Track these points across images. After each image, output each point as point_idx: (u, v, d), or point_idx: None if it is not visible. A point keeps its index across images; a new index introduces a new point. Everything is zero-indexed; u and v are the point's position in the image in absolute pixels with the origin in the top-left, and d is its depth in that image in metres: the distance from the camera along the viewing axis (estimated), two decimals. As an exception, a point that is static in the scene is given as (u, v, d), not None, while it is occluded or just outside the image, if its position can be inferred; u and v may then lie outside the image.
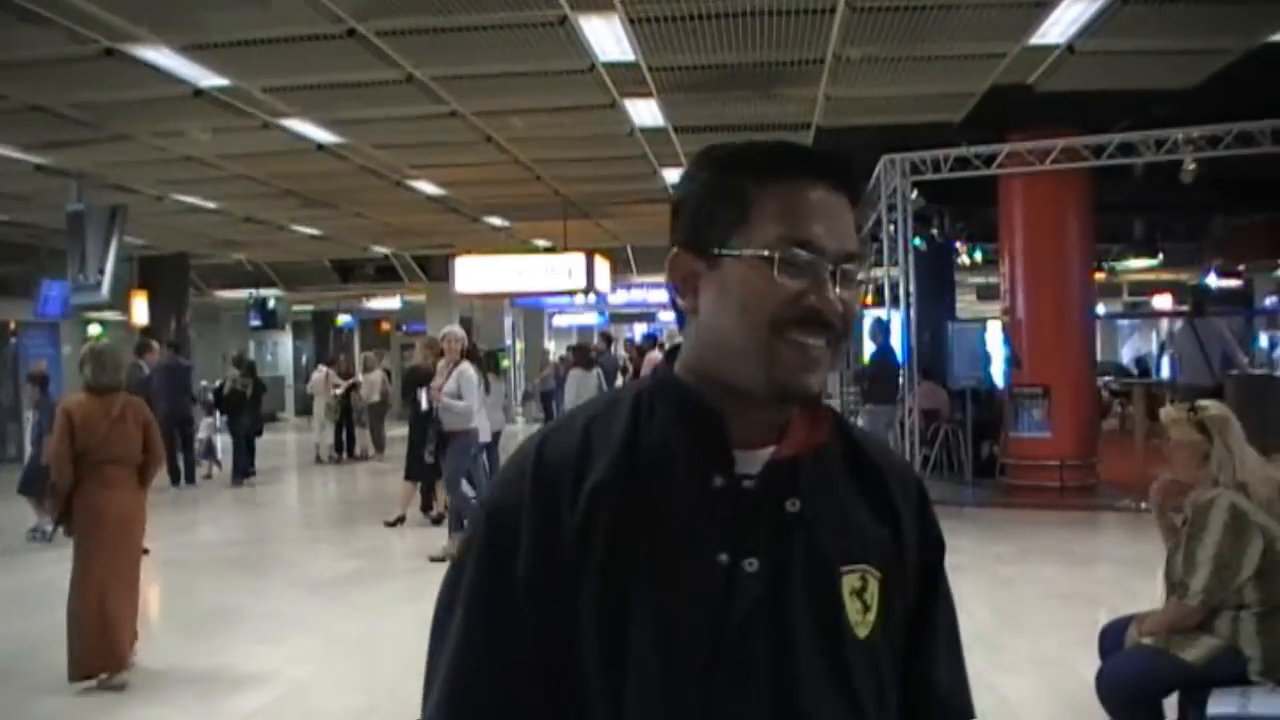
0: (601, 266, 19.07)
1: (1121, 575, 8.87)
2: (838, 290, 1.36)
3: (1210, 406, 4.66)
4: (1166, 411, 4.75)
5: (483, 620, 1.38)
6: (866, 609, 1.40)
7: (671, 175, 14.77)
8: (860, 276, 1.43)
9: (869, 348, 13.82)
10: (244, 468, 16.77)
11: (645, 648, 1.32)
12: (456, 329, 10.86)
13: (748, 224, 1.36)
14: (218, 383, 18.20)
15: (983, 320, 14.99)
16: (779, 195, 1.36)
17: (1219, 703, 4.15)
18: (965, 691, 1.56)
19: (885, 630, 1.42)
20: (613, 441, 1.41)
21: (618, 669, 1.33)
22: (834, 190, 1.38)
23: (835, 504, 1.43)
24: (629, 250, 24.19)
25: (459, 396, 10.04)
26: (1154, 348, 22.77)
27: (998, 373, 13.60)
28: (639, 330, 29.21)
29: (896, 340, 13.14)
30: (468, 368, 10.17)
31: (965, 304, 22.79)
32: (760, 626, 1.34)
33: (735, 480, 1.38)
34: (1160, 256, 19.90)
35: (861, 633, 1.39)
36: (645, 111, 11.71)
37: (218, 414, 17.90)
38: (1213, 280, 20.88)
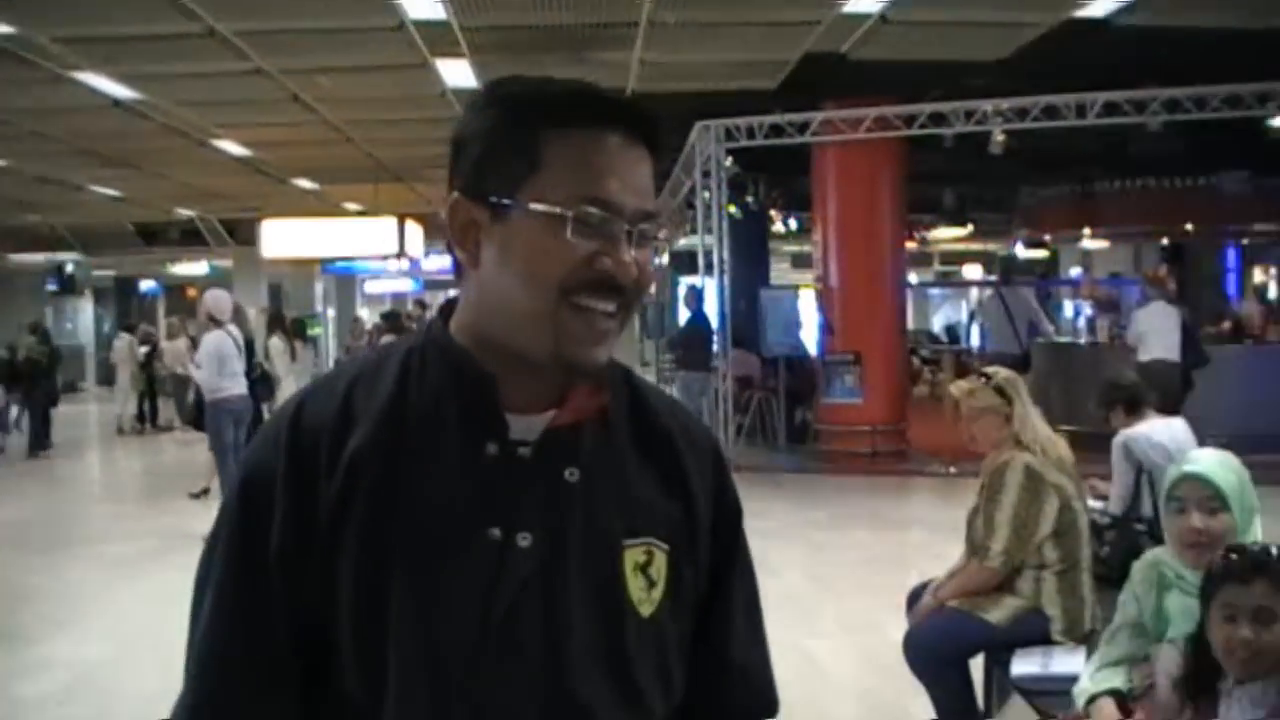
0: (414, 231, 18.75)
1: (932, 539, 9.03)
2: (633, 252, 1.26)
3: (999, 371, 4.79)
4: (959, 385, 4.83)
5: (232, 603, 1.27)
6: (652, 585, 1.31)
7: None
8: (661, 235, 1.32)
9: (684, 315, 13.88)
10: (40, 440, 16.05)
11: (408, 629, 1.22)
12: (217, 292, 10.39)
13: (538, 175, 1.25)
14: (10, 351, 17.29)
15: (796, 288, 15.20)
16: (574, 145, 1.25)
17: (1022, 663, 4.23)
18: (766, 670, 1.48)
19: (674, 607, 1.33)
20: (377, 404, 1.29)
21: (379, 652, 1.22)
22: (634, 141, 1.28)
23: (620, 473, 1.33)
24: (442, 215, 23.82)
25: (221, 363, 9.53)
26: (963, 316, 23.52)
27: (811, 340, 13.82)
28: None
29: (711, 308, 13.22)
30: (214, 335, 9.68)
31: (779, 272, 23.13)
32: (532, 606, 1.25)
33: (509, 448, 1.28)
34: (970, 227, 20.52)
35: (646, 610, 1.30)
36: (457, 72, 11.47)
37: (10, 384, 17.02)
38: (1020, 250, 21.64)
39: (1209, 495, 2.92)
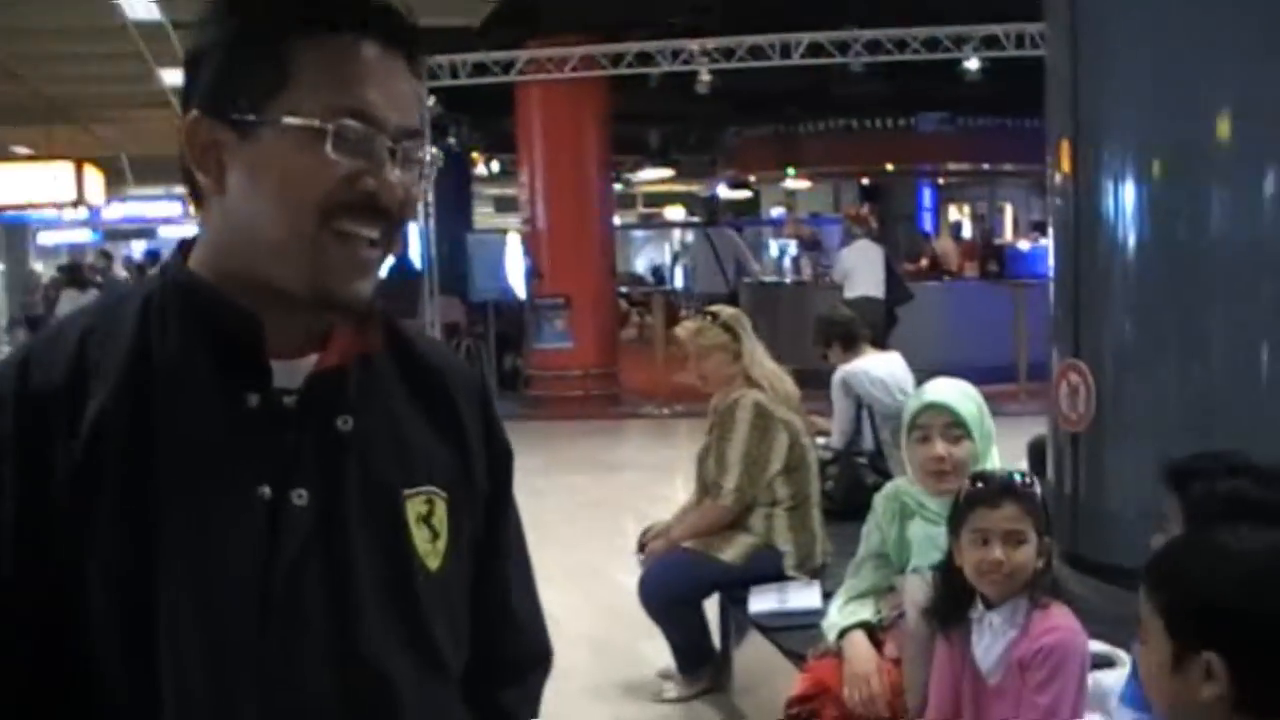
0: (93, 177, 17.47)
1: (649, 480, 9.21)
2: (397, 172, 1.14)
3: (725, 309, 4.84)
4: (686, 325, 4.86)
5: None
6: (436, 536, 1.22)
7: (171, 77, 13.67)
8: (427, 158, 1.21)
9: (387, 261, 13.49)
10: None
11: (177, 605, 1.09)
12: None
13: (288, 88, 1.12)
14: None
15: (503, 232, 15.06)
16: (329, 53, 1.13)
17: (759, 599, 4.29)
18: (540, 617, 1.44)
19: (457, 559, 1.25)
20: (117, 359, 1.14)
21: (144, 633, 1.08)
22: (394, 51, 1.16)
23: (392, 419, 1.24)
24: (125, 160, 22.49)
25: None
26: (668, 258, 23.96)
27: (518, 284, 13.75)
28: (138, 248, 27.42)
29: (415, 253, 12.94)
30: None
31: (482, 216, 22.94)
32: (314, 567, 1.14)
33: (273, 397, 1.16)
34: (673, 169, 20.84)
35: (433, 564, 1.22)
36: (138, 4, 10.70)
37: None
38: (723, 191, 22.17)
39: (951, 423, 3.00)
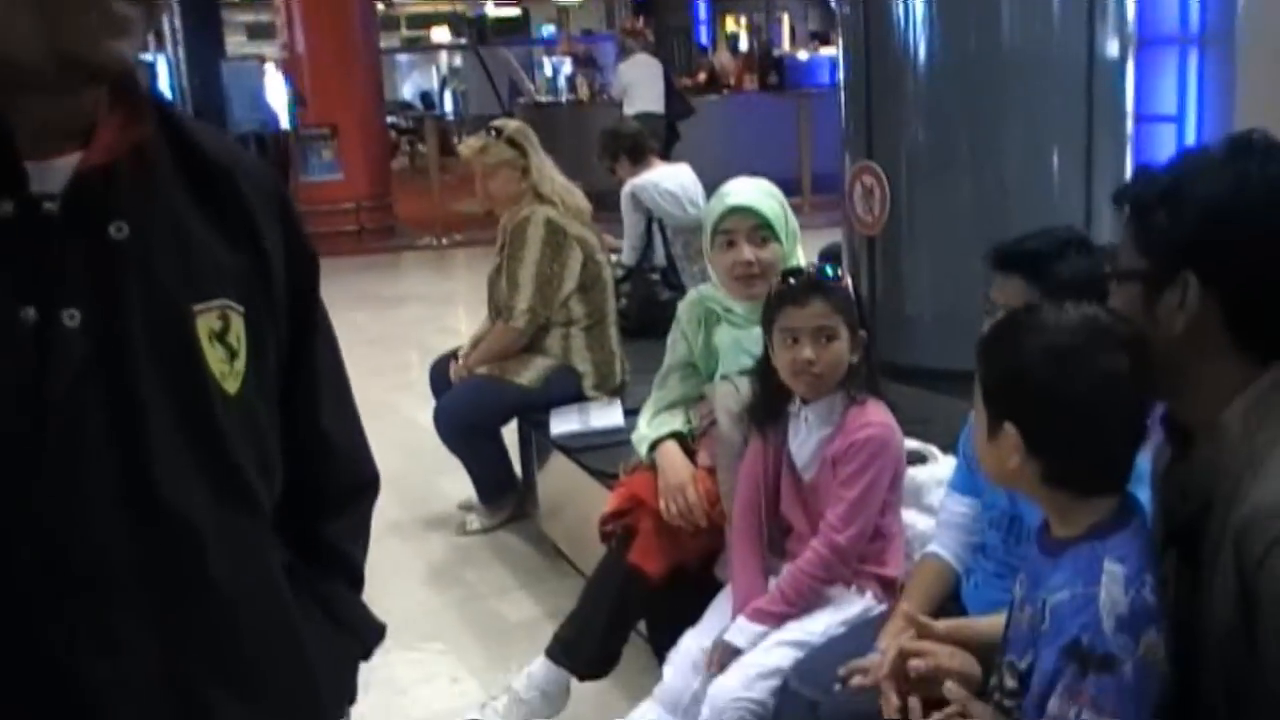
0: None
1: (432, 313, 9.09)
2: None
3: (509, 123, 4.69)
4: (469, 143, 4.69)
5: None
6: (233, 355, 1.10)
7: None
8: None
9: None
10: None
11: None
12: None
13: None
14: None
15: (261, 59, 14.34)
16: None
17: (560, 421, 4.26)
18: (362, 440, 1.36)
19: (260, 380, 1.13)
20: None
21: None
22: None
23: (175, 224, 1.09)
24: None
25: None
26: (435, 83, 23.28)
27: (281, 114, 13.16)
28: None
29: (164, 84, 12.23)
30: None
31: (235, 45, 21.78)
32: (94, 397, 1.01)
33: (31, 204, 0.99)
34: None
35: (231, 387, 1.09)
36: None
37: None
38: (491, 9, 21.53)
39: (756, 226, 2.96)
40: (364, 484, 1.37)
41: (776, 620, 2.51)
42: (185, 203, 1.11)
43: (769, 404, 2.66)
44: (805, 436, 2.60)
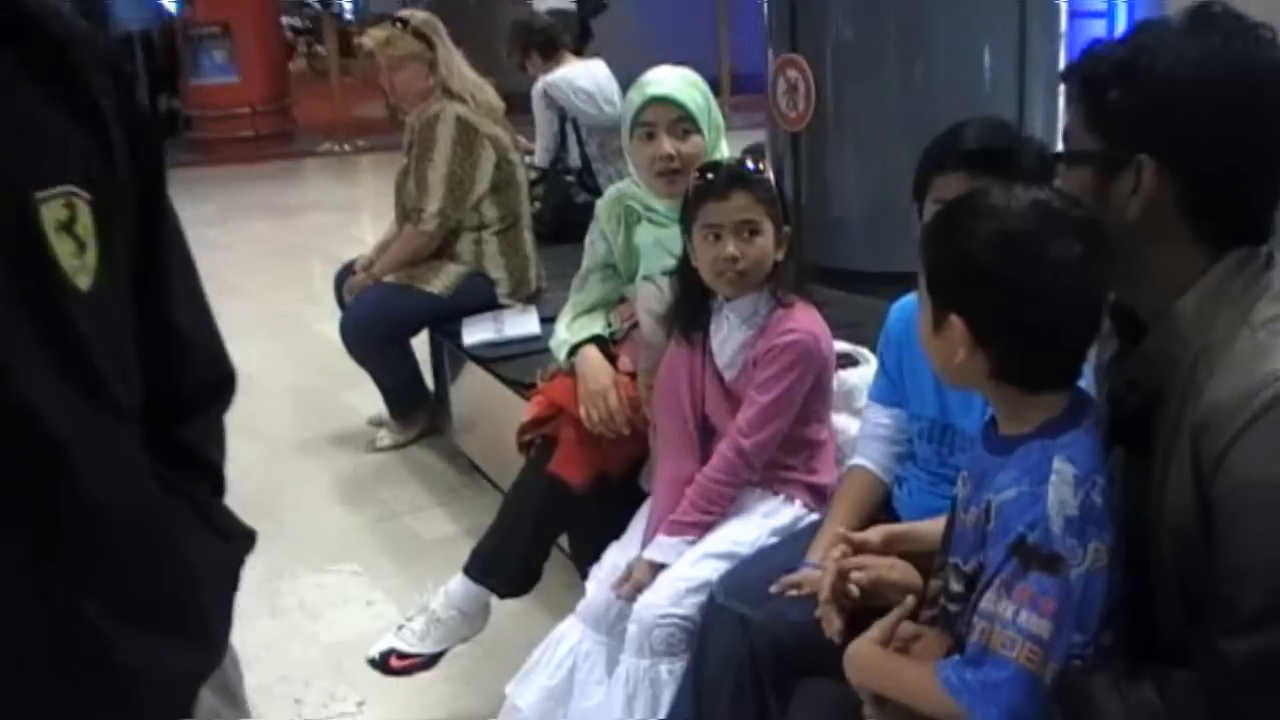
0: None
1: (336, 222, 8.95)
2: None
3: (416, 14, 4.54)
4: (375, 34, 4.53)
5: None
6: (82, 248, 1.02)
7: None
8: None
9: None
10: None
11: None
12: None
13: None
14: None
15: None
16: None
17: (473, 330, 4.20)
18: (217, 337, 1.28)
19: (111, 274, 1.05)
20: None
21: None
22: None
23: (9, 105, 1.00)
24: None
25: None
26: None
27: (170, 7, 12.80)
28: None
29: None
30: None
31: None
32: None
33: None
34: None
35: (83, 282, 1.02)
36: None
37: None
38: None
39: (679, 118, 2.87)
40: (220, 382, 1.29)
41: (694, 531, 2.48)
42: (22, 80, 1.02)
43: (691, 306, 2.61)
44: (727, 333, 2.55)
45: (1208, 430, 1.42)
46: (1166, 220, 1.50)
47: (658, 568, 2.46)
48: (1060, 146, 1.65)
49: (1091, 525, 1.47)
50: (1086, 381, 1.69)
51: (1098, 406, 1.61)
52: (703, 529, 2.49)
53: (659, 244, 2.95)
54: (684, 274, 2.62)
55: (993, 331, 1.51)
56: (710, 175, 2.53)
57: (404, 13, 4.63)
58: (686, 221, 2.55)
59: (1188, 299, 1.50)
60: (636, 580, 2.47)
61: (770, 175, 2.57)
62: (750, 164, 2.57)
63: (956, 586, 1.62)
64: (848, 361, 2.88)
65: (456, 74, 4.38)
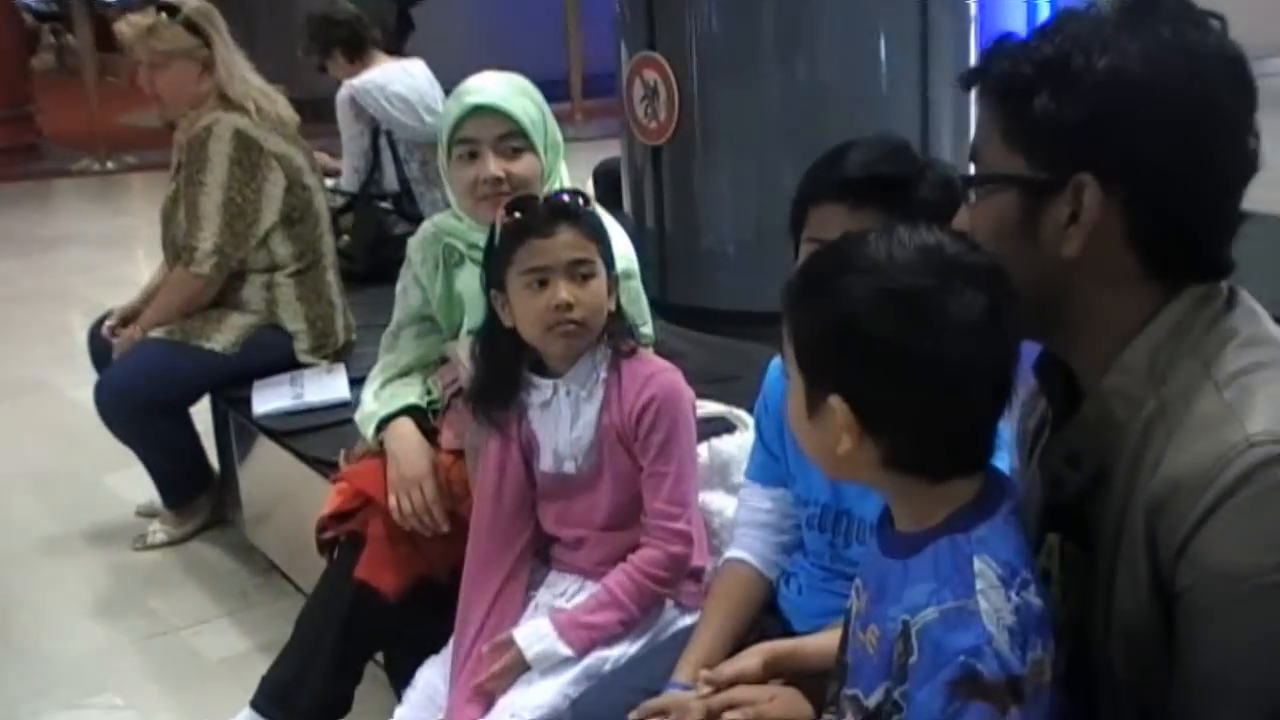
0: None
1: (98, 259, 8.85)
2: None
3: (188, 1, 4.38)
4: (134, 21, 4.38)
5: None
6: None
7: None
8: None
9: None
10: None
11: None
12: None
13: None
14: None
15: None
16: None
17: (266, 397, 4.13)
18: None
19: None
20: None
21: None
22: None
23: None
24: None
25: None
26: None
27: None
28: None
29: None
30: None
31: None
32: None
33: None
34: None
35: None
36: None
37: None
38: None
39: (507, 132, 2.87)
40: None
41: (601, 635, 2.45)
42: None
43: (503, 383, 2.57)
44: (568, 419, 2.53)
45: (1165, 512, 1.40)
46: (1112, 253, 1.49)
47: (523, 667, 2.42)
48: (971, 168, 1.63)
49: (1031, 630, 1.45)
50: (1003, 454, 1.69)
51: (1017, 488, 1.59)
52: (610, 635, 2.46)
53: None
54: (488, 346, 2.59)
55: (884, 416, 1.47)
56: (521, 212, 2.50)
57: None
58: (493, 274, 2.52)
59: (1137, 348, 1.49)
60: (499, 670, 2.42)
61: (597, 209, 2.57)
62: (571, 193, 2.58)
63: None
64: (722, 426, 2.87)
65: (237, 78, 4.30)
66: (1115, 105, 1.45)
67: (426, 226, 3.14)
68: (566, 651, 2.41)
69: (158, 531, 4.52)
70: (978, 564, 1.45)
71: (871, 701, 1.54)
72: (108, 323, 4.49)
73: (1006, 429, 1.66)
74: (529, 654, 2.41)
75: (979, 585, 1.43)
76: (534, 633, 2.43)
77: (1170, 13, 1.48)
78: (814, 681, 1.85)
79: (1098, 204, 1.46)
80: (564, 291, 2.42)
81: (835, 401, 1.46)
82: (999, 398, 1.50)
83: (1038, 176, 1.49)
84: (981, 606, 1.42)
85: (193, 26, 4.28)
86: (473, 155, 2.88)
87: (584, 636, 2.43)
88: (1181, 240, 1.49)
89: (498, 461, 2.60)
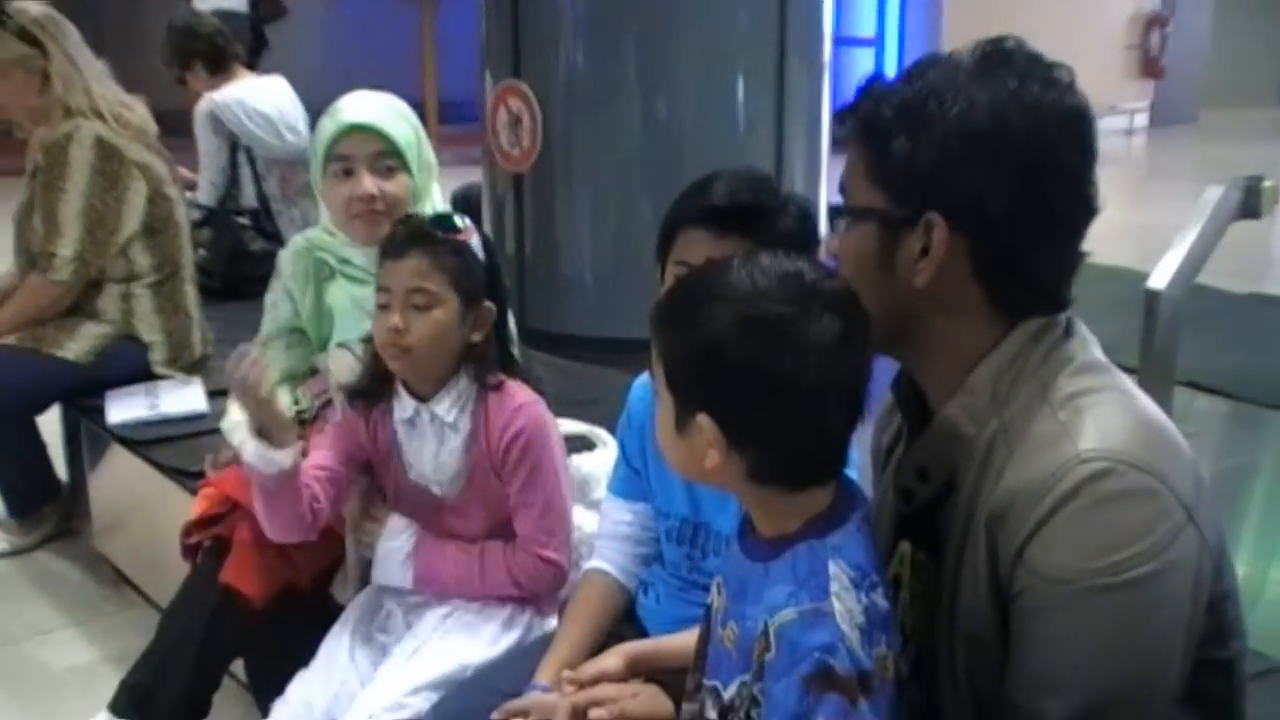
0: None
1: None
2: None
3: (28, 6, 4.33)
4: None
5: None
6: None
7: None
8: None
9: None
10: None
11: None
12: None
13: None
14: None
15: None
16: None
17: (121, 406, 4.11)
18: None
19: None
20: None
21: None
22: None
23: None
24: None
25: None
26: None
27: None
28: None
29: None
30: None
31: None
32: None
33: None
34: None
35: None
36: None
37: None
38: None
39: (382, 151, 2.91)
40: None
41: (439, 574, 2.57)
42: None
43: (374, 386, 2.62)
44: (433, 444, 2.59)
45: (1005, 520, 1.50)
46: (959, 285, 1.59)
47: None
48: (833, 200, 1.72)
49: (878, 631, 1.53)
50: (857, 469, 1.79)
51: (867, 499, 1.68)
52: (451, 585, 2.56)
53: (357, 304, 2.97)
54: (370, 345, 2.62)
55: (747, 431, 1.55)
56: (398, 229, 2.55)
57: (13, 3, 4.36)
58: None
59: (982, 372, 1.59)
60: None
61: (474, 240, 2.57)
62: (450, 221, 2.58)
63: (712, 714, 1.66)
64: (582, 445, 2.95)
65: (79, 90, 4.23)
66: (962, 151, 1.54)
67: (298, 240, 3.16)
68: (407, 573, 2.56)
69: (1, 541, 4.45)
70: (833, 568, 1.53)
71: (729, 694, 1.63)
72: None
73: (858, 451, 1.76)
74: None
75: (833, 588, 1.51)
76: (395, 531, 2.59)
77: (1019, 68, 1.58)
78: (673, 679, 1.92)
79: (945, 241, 1.56)
80: (396, 317, 2.45)
81: (703, 419, 1.55)
82: (852, 414, 1.59)
83: (894, 212, 1.59)
84: (835, 608, 1.50)
85: (27, 36, 4.22)
86: (347, 172, 2.92)
87: (425, 563, 2.57)
88: (1023, 279, 1.59)
89: (346, 438, 2.67)
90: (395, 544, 2.58)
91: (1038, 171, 1.56)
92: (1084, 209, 1.61)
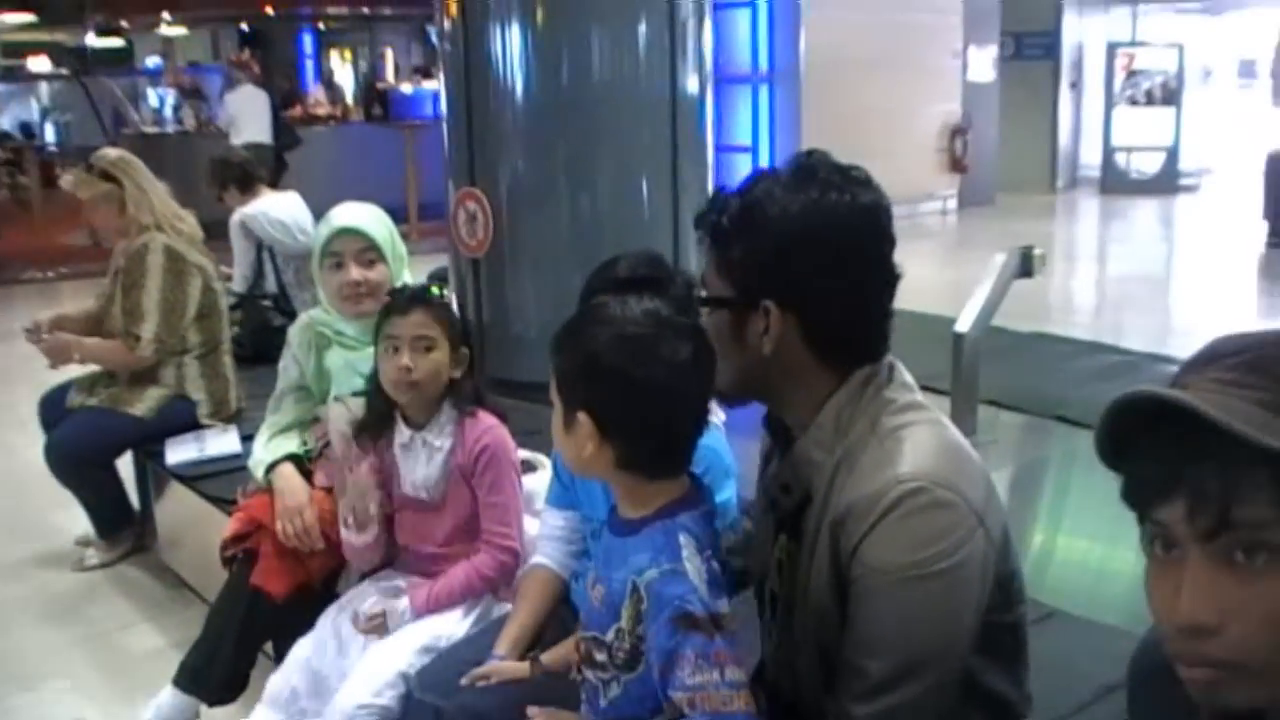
0: None
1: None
2: None
3: (107, 153, 4.36)
4: (67, 179, 4.37)
5: None
6: None
7: None
8: None
9: None
10: None
11: None
12: None
13: None
14: None
15: None
16: None
17: (176, 450, 4.02)
18: None
19: None
20: None
21: None
22: None
23: None
24: None
25: None
26: (36, 113, 21.57)
27: None
28: None
29: None
30: None
31: None
32: None
33: None
34: (37, 13, 18.60)
35: None
36: None
37: None
38: (93, 40, 20.11)
39: (365, 247, 2.89)
40: None
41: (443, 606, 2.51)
42: None
43: (377, 419, 2.60)
44: (427, 458, 2.56)
45: (845, 526, 1.51)
46: (796, 352, 1.59)
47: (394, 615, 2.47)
48: (702, 289, 1.71)
49: (717, 589, 1.55)
50: (730, 481, 1.77)
51: (713, 497, 1.70)
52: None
53: (349, 366, 2.94)
54: (375, 388, 2.61)
55: (617, 425, 1.57)
56: (396, 295, 2.58)
57: (97, 154, 4.40)
58: (377, 338, 2.56)
59: (826, 414, 1.59)
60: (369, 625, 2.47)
61: (453, 300, 2.61)
62: (434, 290, 2.61)
63: (600, 656, 1.66)
64: (527, 467, 2.90)
65: (147, 209, 4.20)
66: (781, 250, 1.55)
67: (303, 318, 3.12)
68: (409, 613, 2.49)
69: (92, 557, 4.35)
70: (682, 538, 1.56)
71: (608, 637, 1.63)
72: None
73: (732, 459, 1.74)
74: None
75: (684, 554, 1.55)
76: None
77: (823, 180, 1.57)
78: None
79: (779, 321, 1.57)
80: (406, 358, 2.47)
81: (582, 416, 1.57)
82: (698, 419, 1.62)
83: (738, 301, 1.60)
84: (688, 568, 1.53)
85: (107, 176, 4.20)
86: (338, 264, 2.89)
87: (421, 597, 2.50)
88: (845, 341, 1.60)
89: (364, 475, 2.62)
90: (399, 602, 2.51)
91: (845, 258, 1.56)
92: (889, 281, 1.61)
